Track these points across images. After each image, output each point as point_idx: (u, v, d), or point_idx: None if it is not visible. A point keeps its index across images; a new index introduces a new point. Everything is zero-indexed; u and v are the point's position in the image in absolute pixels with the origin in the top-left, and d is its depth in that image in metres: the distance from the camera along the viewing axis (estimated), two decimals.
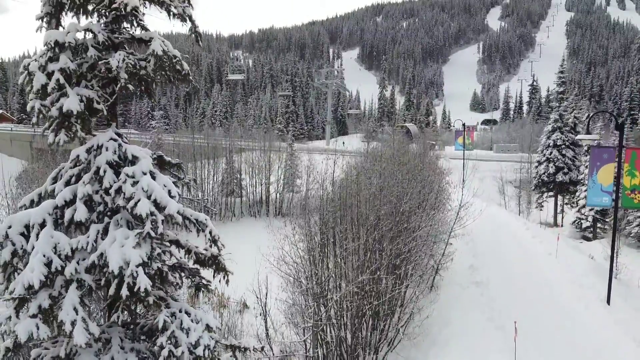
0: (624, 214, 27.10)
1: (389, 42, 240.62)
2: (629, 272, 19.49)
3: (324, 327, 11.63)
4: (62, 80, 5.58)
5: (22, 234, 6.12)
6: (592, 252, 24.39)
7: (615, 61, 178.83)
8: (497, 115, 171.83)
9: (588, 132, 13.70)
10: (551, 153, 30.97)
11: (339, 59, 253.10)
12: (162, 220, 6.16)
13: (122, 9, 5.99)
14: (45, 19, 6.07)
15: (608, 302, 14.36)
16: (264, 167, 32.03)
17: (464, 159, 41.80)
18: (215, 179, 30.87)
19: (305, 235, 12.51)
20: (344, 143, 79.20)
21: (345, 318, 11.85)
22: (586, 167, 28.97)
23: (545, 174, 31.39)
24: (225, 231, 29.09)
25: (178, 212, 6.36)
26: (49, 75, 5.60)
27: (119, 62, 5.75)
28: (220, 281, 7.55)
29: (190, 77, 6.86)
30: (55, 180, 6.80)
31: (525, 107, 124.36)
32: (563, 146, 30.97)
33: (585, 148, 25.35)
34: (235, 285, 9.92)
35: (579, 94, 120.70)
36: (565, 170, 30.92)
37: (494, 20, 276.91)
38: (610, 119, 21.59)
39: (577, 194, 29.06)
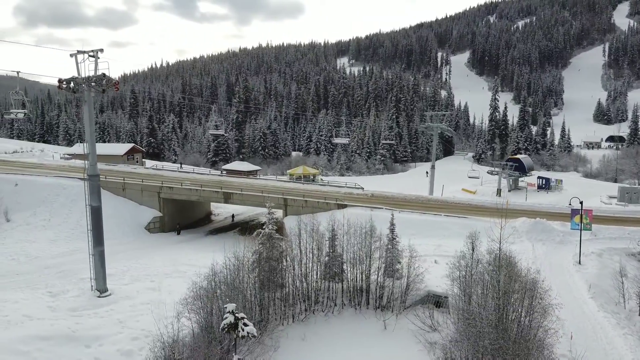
0: None
1: (502, 46, 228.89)
2: None
3: None
4: None
5: None
6: None
7: None
8: (624, 128, 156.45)
9: None
10: None
11: (448, 64, 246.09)
12: None
13: None
14: None
15: None
16: (365, 257, 32.71)
17: (580, 244, 39.14)
18: (318, 274, 32.19)
19: None
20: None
21: None
22: None
23: None
24: (331, 333, 30.28)
25: None
26: None
27: None
28: None
29: None
30: None
31: None
32: None
33: None
34: None
35: None
36: None
37: (621, 18, 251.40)
38: None
39: None
